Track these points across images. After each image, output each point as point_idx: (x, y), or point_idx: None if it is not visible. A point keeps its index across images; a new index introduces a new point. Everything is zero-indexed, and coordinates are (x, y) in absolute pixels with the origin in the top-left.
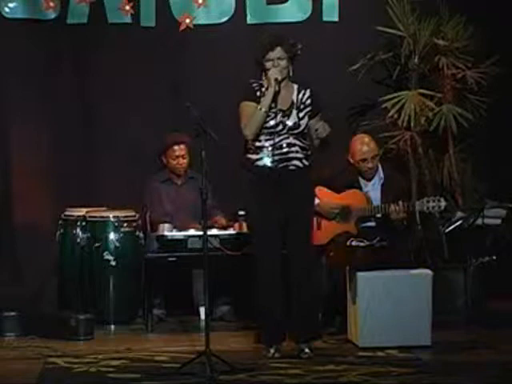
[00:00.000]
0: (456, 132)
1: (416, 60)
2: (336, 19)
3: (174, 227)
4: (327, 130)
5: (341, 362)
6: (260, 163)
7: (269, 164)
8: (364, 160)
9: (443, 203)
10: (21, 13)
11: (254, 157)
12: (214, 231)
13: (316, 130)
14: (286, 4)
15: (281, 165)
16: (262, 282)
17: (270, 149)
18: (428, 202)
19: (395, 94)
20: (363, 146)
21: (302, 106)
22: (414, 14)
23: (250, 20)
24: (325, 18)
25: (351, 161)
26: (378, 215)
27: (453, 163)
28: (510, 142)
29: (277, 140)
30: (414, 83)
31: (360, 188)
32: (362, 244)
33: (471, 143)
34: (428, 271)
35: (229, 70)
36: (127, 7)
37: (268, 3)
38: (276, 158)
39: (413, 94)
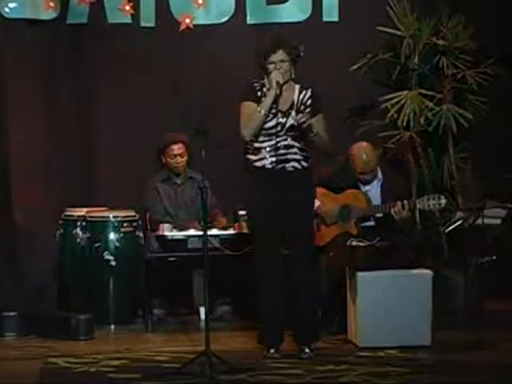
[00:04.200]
0: (456, 132)
1: (416, 60)
2: (336, 19)
3: (174, 227)
4: (324, 140)
5: (341, 361)
6: (259, 164)
7: (267, 165)
8: (362, 173)
9: (443, 201)
10: (21, 13)
11: (253, 157)
12: (214, 231)
13: (313, 132)
14: (285, 4)
15: (279, 166)
16: (263, 283)
17: (268, 150)
18: (428, 199)
19: (395, 94)
20: (363, 159)
21: (302, 107)
22: (414, 14)
23: (249, 20)
24: (325, 18)
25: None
26: (379, 215)
27: (453, 163)
28: (509, 142)
29: (275, 141)
30: (413, 83)
31: (358, 188)
32: (362, 244)
33: (471, 143)
34: (428, 271)
35: (229, 70)
36: (127, 7)
37: (268, 3)
38: (274, 159)
39: (413, 94)
